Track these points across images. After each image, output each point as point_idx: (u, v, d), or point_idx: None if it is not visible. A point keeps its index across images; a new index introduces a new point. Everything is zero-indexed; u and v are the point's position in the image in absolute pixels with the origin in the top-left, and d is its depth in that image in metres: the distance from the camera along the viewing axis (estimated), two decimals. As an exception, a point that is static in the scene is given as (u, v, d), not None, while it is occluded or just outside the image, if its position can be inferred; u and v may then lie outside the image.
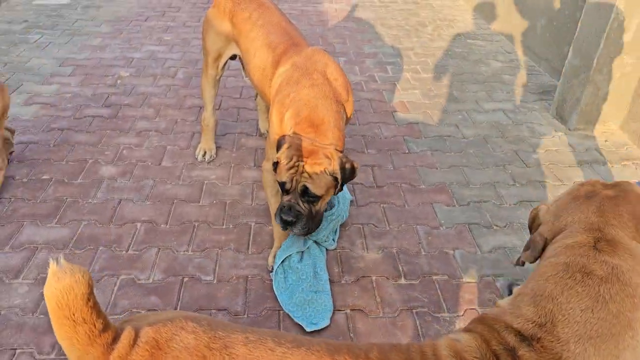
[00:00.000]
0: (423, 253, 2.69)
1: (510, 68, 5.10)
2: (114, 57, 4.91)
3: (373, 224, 2.88)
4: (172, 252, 2.61)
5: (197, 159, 3.37)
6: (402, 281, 2.51)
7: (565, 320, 1.09)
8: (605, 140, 3.83)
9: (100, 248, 2.59)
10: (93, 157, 3.33)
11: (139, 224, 2.77)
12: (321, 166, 2.30)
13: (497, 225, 2.90)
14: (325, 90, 2.43)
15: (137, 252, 2.58)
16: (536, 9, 5.21)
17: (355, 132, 3.80)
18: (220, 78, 3.25)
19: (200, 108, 4.04)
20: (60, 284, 0.98)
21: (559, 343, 1.07)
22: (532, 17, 5.29)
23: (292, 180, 2.32)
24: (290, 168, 2.30)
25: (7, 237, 2.62)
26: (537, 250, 1.40)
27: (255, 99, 3.79)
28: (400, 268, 2.58)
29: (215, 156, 3.40)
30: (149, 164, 3.30)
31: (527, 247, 1.45)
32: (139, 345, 1.02)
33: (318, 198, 2.36)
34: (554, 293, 1.15)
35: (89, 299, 1.00)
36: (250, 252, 2.64)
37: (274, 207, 2.64)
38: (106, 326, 1.03)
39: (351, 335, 2.21)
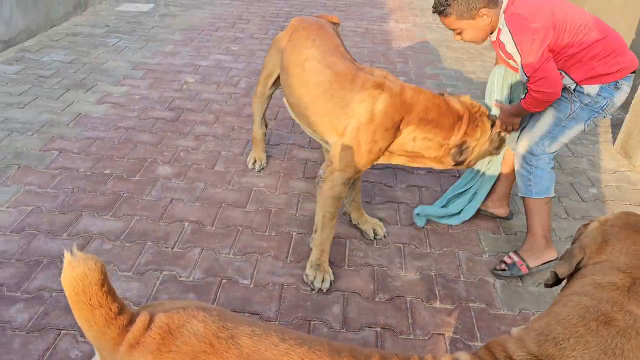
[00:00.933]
0: (462, 279, 2.64)
1: (577, 98, 4.92)
2: (183, 64, 5.16)
3: (414, 245, 2.87)
4: (215, 253, 2.70)
5: (248, 166, 3.47)
6: (437, 305, 2.47)
7: None
8: (673, 180, 3.62)
9: (148, 243, 2.72)
10: (152, 157, 3.50)
11: (186, 224, 2.89)
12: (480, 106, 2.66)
13: (543, 259, 2.81)
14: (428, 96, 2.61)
15: (182, 250, 2.70)
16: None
17: (407, 152, 3.80)
18: (270, 96, 3.32)
19: (258, 117, 4.16)
20: (75, 272, 1.06)
21: None
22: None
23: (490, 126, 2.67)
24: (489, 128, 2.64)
25: (66, 225, 2.80)
26: (572, 265, 1.29)
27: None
28: (437, 291, 2.55)
29: (265, 165, 3.49)
30: (203, 167, 3.44)
31: (562, 258, 1.34)
32: (153, 329, 1.09)
33: None
34: (560, 338, 1.08)
35: (103, 285, 1.08)
36: (289, 261, 2.69)
37: (331, 227, 2.57)
38: (122, 310, 1.10)
39: (379, 353, 2.20)
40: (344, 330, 2.30)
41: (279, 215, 3.03)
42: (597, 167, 3.77)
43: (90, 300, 1.07)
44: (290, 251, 2.76)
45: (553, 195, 2.64)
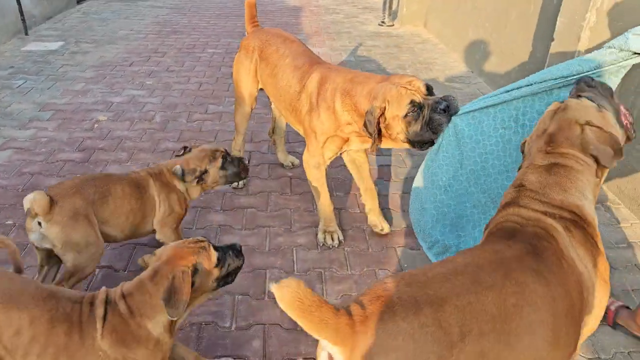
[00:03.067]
0: (382, 298, 2.66)
1: (486, 110, 5.16)
2: (94, 102, 4.99)
3: (335, 269, 2.86)
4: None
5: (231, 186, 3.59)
6: (358, 327, 2.47)
7: None
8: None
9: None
10: (59, 202, 3.33)
11: (97, 270, 2.75)
12: (417, 78, 2.43)
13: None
14: (356, 72, 2.73)
15: (91, 299, 2.56)
16: (512, 52, 5.33)
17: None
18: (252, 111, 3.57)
19: (174, 151, 4.07)
20: (289, 293, 1.30)
21: None
22: (508, 60, 5.40)
23: (414, 94, 2.35)
24: (406, 91, 2.36)
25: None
26: None
27: (270, 135, 3.91)
28: (358, 314, 2.55)
29: (243, 185, 3.64)
30: (115, 208, 3.30)
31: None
32: (365, 304, 1.36)
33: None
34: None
35: (310, 293, 1.31)
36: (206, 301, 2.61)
37: (325, 194, 2.99)
38: (336, 306, 1.33)
39: (300, 384, 2.15)
40: (264, 365, 2.24)
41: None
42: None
43: (310, 307, 1.30)
44: (208, 288, 2.69)
45: None
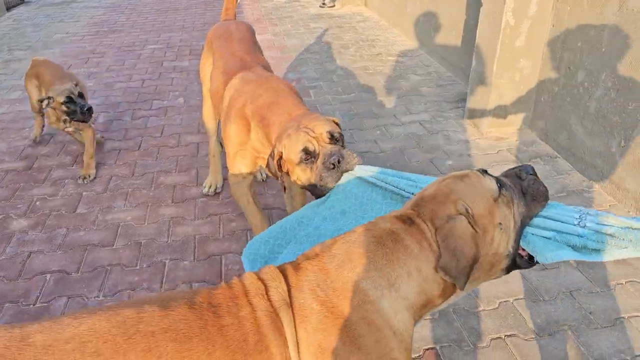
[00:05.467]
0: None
1: (429, 80, 5.28)
2: (33, 109, 4.85)
3: (289, 247, 2.90)
4: (83, 299, 2.56)
5: (203, 192, 3.44)
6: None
7: None
8: (516, 140, 3.99)
9: (6, 304, 2.52)
10: (4, 212, 3.25)
11: (48, 275, 2.71)
12: (328, 123, 2.12)
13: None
14: (279, 85, 2.44)
15: (45, 304, 2.52)
16: (448, 22, 5.44)
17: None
18: None
19: (120, 150, 4.02)
20: None
21: None
22: (446, 30, 5.51)
23: (310, 141, 2.05)
24: (304, 136, 2.08)
25: None
26: None
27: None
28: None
29: (220, 189, 3.48)
30: (63, 212, 3.25)
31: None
32: None
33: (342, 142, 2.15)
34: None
35: None
36: (162, 290, 2.62)
37: (254, 214, 2.72)
38: None
39: None
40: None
41: (149, 246, 2.94)
42: (452, 140, 4.05)
43: None
44: (164, 280, 2.69)
45: None
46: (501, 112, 4.05)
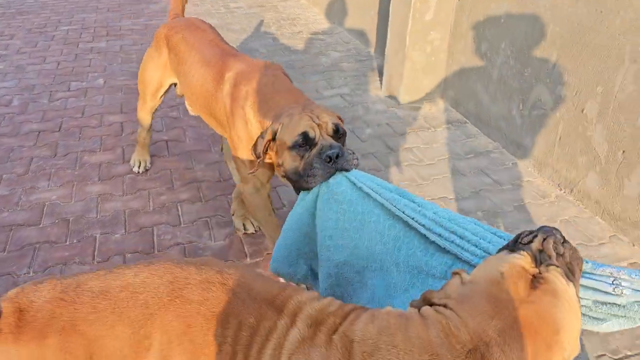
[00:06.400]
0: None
1: (349, 56, 5.48)
2: (-62, 94, 4.58)
3: (220, 215, 3.01)
4: (12, 276, 2.55)
5: (133, 170, 3.44)
6: (248, 260, 2.67)
7: None
8: (429, 109, 4.28)
9: None
10: None
11: (-28, 256, 2.67)
12: (335, 116, 2.02)
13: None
14: (279, 77, 2.32)
15: (-29, 284, 2.50)
16: (363, 2, 5.66)
17: (200, 134, 3.91)
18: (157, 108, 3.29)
19: (40, 132, 3.92)
20: None
21: None
22: (363, 8, 5.72)
23: (313, 128, 1.91)
24: (307, 120, 1.94)
25: None
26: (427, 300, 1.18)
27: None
28: (246, 250, 2.74)
29: (149, 166, 3.49)
30: (-18, 195, 3.17)
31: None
32: (5, 314, 1.16)
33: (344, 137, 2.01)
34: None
35: None
36: (95, 262, 2.65)
37: (276, 228, 2.39)
38: None
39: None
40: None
41: (77, 223, 2.94)
42: (371, 111, 4.28)
43: None
44: (96, 253, 2.72)
45: None
46: (415, 83, 4.32)
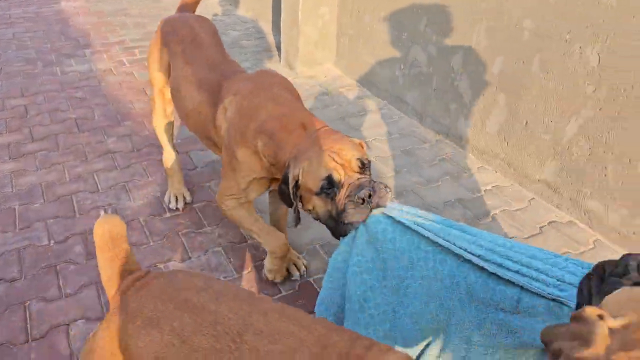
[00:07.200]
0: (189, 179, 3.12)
1: (248, 35, 5.76)
2: None
3: (136, 179, 3.21)
4: None
5: (169, 207, 2.96)
6: (167, 215, 2.91)
7: None
8: (325, 77, 4.68)
9: None
10: None
11: None
12: (356, 147, 1.86)
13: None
14: (280, 92, 2.12)
15: None
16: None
17: (109, 112, 4.04)
18: (172, 110, 2.88)
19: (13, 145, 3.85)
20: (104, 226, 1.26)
21: None
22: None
23: (336, 169, 1.76)
24: (329, 162, 1.78)
25: None
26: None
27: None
28: (165, 207, 2.98)
29: (190, 200, 3.00)
30: None
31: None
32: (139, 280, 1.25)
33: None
34: None
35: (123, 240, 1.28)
36: (18, 230, 2.78)
37: (260, 228, 2.27)
38: (126, 270, 1.27)
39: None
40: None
41: (-7, 197, 3.03)
42: (272, 82, 4.60)
43: (113, 255, 1.26)
44: (17, 221, 2.84)
45: None
46: (310, 54, 4.70)
